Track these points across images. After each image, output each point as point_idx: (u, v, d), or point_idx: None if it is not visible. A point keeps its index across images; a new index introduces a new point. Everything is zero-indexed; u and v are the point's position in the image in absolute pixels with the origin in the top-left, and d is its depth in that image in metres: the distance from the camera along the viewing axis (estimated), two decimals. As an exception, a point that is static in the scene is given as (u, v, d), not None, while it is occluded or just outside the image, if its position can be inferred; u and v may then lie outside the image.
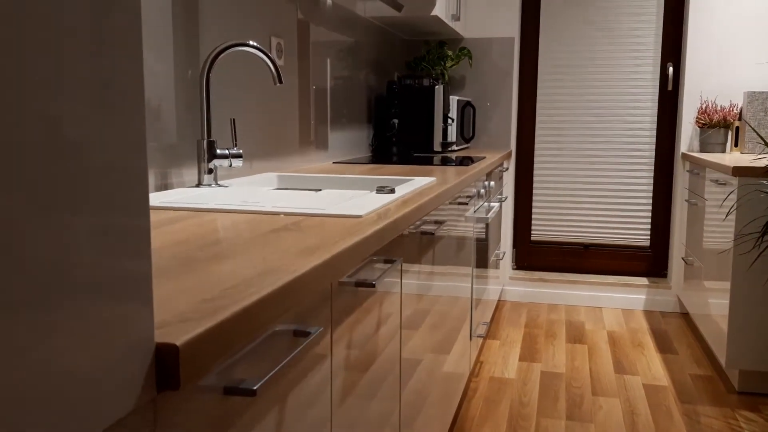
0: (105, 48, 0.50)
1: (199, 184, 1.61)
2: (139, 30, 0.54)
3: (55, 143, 0.45)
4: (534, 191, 3.95)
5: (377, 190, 1.53)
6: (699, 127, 3.49)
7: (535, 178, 3.94)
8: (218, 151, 1.62)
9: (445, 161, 2.71)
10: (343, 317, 1.05)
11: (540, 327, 3.44)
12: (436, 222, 1.76)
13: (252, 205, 1.28)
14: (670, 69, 3.65)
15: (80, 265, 0.48)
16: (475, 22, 3.81)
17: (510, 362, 2.96)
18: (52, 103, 0.45)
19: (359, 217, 1.19)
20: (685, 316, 3.65)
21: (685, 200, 3.53)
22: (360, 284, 1.11)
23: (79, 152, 0.47)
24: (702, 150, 3.49)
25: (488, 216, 2.62)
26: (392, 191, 1.52)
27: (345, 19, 2.82)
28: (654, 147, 3.76)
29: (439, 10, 3.08)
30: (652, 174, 3.79)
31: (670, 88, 3.68)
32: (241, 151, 1.64)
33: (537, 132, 3.91)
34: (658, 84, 3.71)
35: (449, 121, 3.42)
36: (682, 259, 3.52)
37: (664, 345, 3.19)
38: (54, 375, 0.45)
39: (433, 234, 1.57)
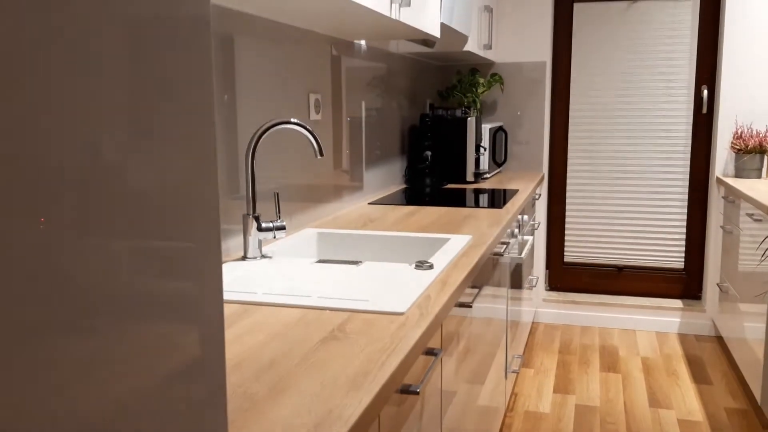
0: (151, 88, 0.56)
1: (245, 257, 1.68)
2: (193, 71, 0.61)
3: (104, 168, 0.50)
4: (567, 213, 3.97)
5: (416, 265, 1.58)
6: (734, 152, 3.47)
7: (567, 200, 3.96)
8: (263, 225, 1.68)
9: (478, 199, 2.75)
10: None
11: (574, 353, 3.47)
12: (474, 287, 1.81)
13: (299, 297, 1.34)
14: (705, 92, 3.63)
15: (135, 287, 0.52)
16: (507, 47, 3.83)
17: (544, 394, 3.00)
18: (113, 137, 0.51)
19: (401, 314, 1.25)
20: (720, 340, 3.64)
21: (720, 226, 3.52)
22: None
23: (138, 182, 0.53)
24: (737, 175, 3.47)
25: (522, 255, 2.65)
26: (431, 267, 1.57)
27: (378, 55, 2.87)
28: (688, 170, 3.75)
29: (471, 45, 3.11)
30: (686, 197, 3.77)
31: (704, 111, 3.66)
32: (284, 223, 1.70)
33: (569, 154, 3.92)
34: (692, 107, 3.70)
35: (481, 150, 3.45)
36: (717, 285, 3.52)
37: (698, 374, 3.19)
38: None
39: (470, 306, 1.62)
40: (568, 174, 3.94)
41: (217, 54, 1.67)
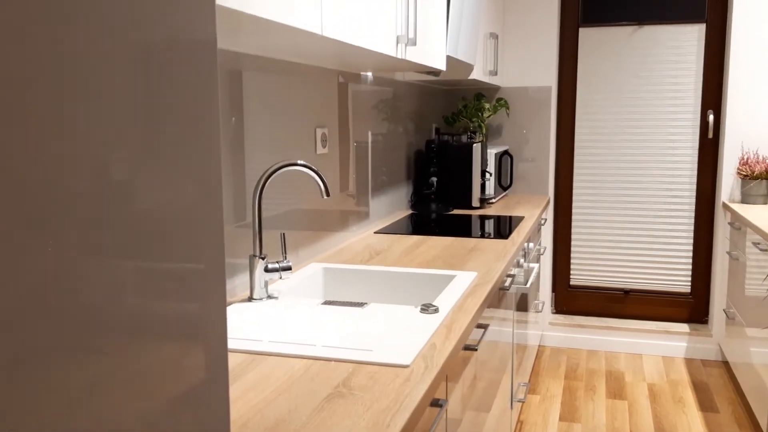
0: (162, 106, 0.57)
1: (251, 298, 1.69)
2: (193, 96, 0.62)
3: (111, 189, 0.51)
4: (573, 236, 3.97)
5: (421, 308, 1.59)
6: (741, 178, 3.47)
7: (573, 223, 3.96)
8: (269, 266, 1.69)
9: (484, 228, 2.76)
10: None
11: (580, 378, 3.46)
12: (480, 326, 1.81)
13: (304, 345, 1.35)
14: (711, 117, 3.64)
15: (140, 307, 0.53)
16: (513, 71, 3.84)
17: (550, 423, 2.99)
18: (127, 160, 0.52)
19: (406, 367, 1.25)
20: (727, 365, 3.63)
21: (727, 252, 3.51)
22: None
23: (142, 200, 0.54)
24: (744, 201, 3.47)
25: (527, 285, 2.66)
26: (436, 310, 1.58)
27: (384, 81, 2.89)
28: (694, 194, 3.75)
29: (477, 72, 3.13)
30: (692, 221, 3.77)
31: (710, 136, 3.66)
32: (290, 263, 1.72)
33: (575, 177, 3.92)
34: (698, 132, 3.70)
35: (487, 175, 3.46)
36: (724, 311, 3.51)
37: (705, 401, 3.18)
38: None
39: (476, 349, 1.62)
40: (574, 197, 3.94)
41: (224, 86, 1.69)
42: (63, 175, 0.46)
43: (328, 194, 1.73)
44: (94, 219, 0.49)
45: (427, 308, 1.59)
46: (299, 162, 1.69)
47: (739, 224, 3.26)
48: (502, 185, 3.71)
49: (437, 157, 3.33)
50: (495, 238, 2.56)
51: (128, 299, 0.53)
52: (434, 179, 3.31)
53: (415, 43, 1.98)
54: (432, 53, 2.27)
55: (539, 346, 3.95)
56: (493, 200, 3.50)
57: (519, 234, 2.63)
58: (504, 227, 2.79)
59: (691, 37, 3.65)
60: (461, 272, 1.97)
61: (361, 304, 1.66)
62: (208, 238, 0.63)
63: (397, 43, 1.92)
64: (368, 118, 2.71)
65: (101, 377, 0.49)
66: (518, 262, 2.63)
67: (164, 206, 0.57)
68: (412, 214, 3.18)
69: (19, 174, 0.43)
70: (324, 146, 2.28)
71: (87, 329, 0.48)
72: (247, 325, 1.49)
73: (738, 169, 3.49)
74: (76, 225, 0.47)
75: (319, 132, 2.24)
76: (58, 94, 0.46)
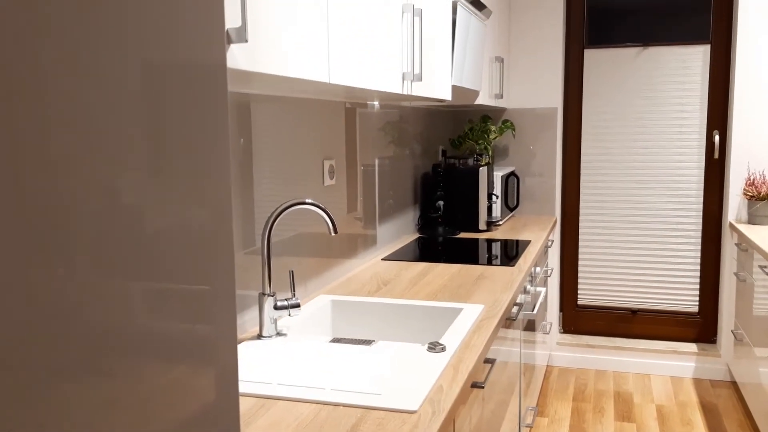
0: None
1: (260, 335, 1.72)
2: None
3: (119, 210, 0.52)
4: (580, 255, 3.98)
5: (428, 347, 1.61)
6: (747, 199, 3.48)
7: (580, 243, 3.97)
8: (278, 303, 1.72)
9: (491, 254, 2.78)
10: None
11: (588, 400, 3.47)
12: (487, 361, 1.83)
13: (313, 389, 1.37)
14: (717, 137, 3.65)
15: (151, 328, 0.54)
16: (518, 93, 3.87)
17: (558, 446, 3.00)
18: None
19: (414, 412, 1.27)
20: (735, 385, 3.63)
21: (734, 273, 3.51)
22: None
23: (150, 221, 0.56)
24: (750, 221, 3.47)
25: (534, 311, 2.67)
26: (443, 349, 1.60)
27: (391, 106, 2.92)
28: (701, 214, 3.75)
29: (483, 97, 3.16)
30: (699, 240, 3.78)
31: (716, 156, 3.67)
32: (299, 301, 1.74)
33: (582, 197, 3.94)
34: (704, 152, 3.71)
35: (494, 198, 3.48)
36: (732, 332, 3.51)
37: (713, 423, 3.18)
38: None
39: (483, 386, 1.64)
40: (581, 217, 3.95)
41: (232, 118, 1.72)
42: (74, 198, 0.47)
43: (335, 231, 1.75)
44: (104, 241, 0.50)
45: (434, 347, 1.61)
46: (307, 201, 1.72)
47: (746, 245, 3.26)
48: (509, 206, 3.73)
49: (444, 181, 3.35)
50: (502, 265, 2.57)
51: (139, 320, 0.53)
52: (441, 203, 3.33)
53: (420, 79, 2.01)
54: (437, 85, 2.29)
55: (547, 366, 3.95)
56: (500, 222, 3.52)
57: (525, 260, 2.65)
58: (511, 253, 2.80)
59: (696, 57, 3.66)
60: (468, 305, 1.99)
61: (368, 342, 1.68)
62: (218, 261, 0.65)
63: (403, 79, 1.95)
64: (375, 141, 2.74)
65: (110, 399, 0.49)
66: (525, 288, 2.64)
67: (175, 228, 0.58)
68: (419, 238, 3.21)
69: (30, 196, 0.44)
70: (331, 178, 2.31)
71: (96, 351, 0.49)
72: (257, 366, 1.51)
73: (744, 190, 3.50)
74: (86, 247, 0.48)
75: (326, 164, 2.27)
76: (69, 118, 0.47)
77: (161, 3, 0.57)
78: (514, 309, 2.29)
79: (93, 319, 0.49)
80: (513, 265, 2.56)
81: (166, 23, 0.58)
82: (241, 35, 1.05)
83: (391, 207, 2.95)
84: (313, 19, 1.35)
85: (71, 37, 0.48)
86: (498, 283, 2.28)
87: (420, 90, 2.09)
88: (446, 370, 1.50)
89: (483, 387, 1.68)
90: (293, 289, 1.77)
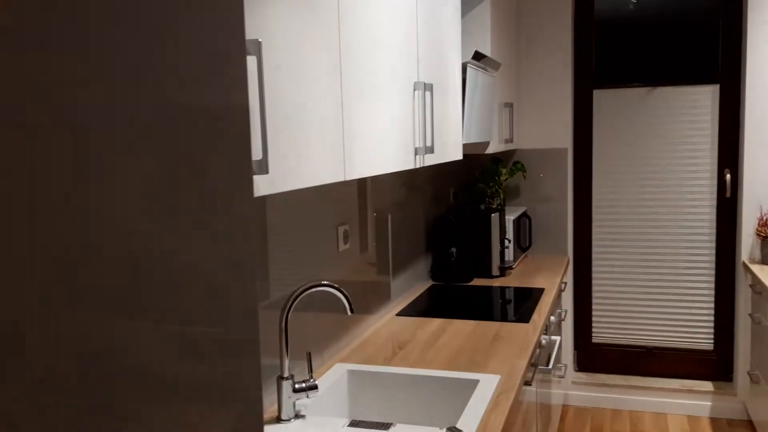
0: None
1: (279, 418, 1.74)
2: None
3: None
4: (593, 293, 3.98)
5: (447, 431, 1.63)
6: (760, 239, 3.48)
7: (594, 281, 3.97)
8: (296, 386, 1.74)
9: (505, 308, 2.79)
10: None
11: (604, 443, 3.46)
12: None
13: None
14: (728, 176, 3.65)
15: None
16: (528, 134, 3.89)
17: (576, 496, 2.99)
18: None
19: None
20: (752, 424, 3.61)
21: (749, 314, 3.51)
22: None
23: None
24: (764, 262, 3.47)
25: (550, 366, 2.68)
26: (461, 434, 1.62)
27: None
28: (714, 253, 3.75)
29: (493, 144, 3.18)
30: (713, 279, 3.77)
31: (728, 195, 3.67)
32: (317, 382, 1.76)
33: (594, 235, 3.94)
34: (716, 190, 3.71)
35: (506, 242, 3.49)
36: (748, 373, 3.50)
37: (732, 468, 3.17)
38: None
39: (501, 469, 1.66)
40: (594, 254, 3.96)
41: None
42: (101, 242, 0.49)
43: (352, 311, 1.77)
44: (128, 285, 0.51)
45: (453, 432, 1.62)
46: (324, 282, 1.74)
47: (760, 288, 3.26)
48: (521, 246, 3.74)
49: (456, 227, 3.37)
50: (516, 320, 2.58)
51: (166, 364, 0.55)
52: (454, 249, 3.35)
53: (432, 151, 2.03)
54: (449, 150, 2.32)
55: (563, 405, 3.95)
56: (513, 265, 3.53)
57: (540, 314, 2.66)
58: (525, 305, 2.81)
59: (706, 97, 3.67)
60: (484, 375, 2.01)
61: (386, 426, 1.69)
62: (242, 304, 0.67)
63: (416, 154, 1.97)
64: (386, 191, 2.76)
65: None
66: (540, 343, 2.65)
67: (200, 271, 0.60)
68: (432, 286, 3.22)
69: (56, 241, 0.45)
70: (346, 242, 2.34)
71: (121, 394, 0.50)
72: (278, 458, 1.53)
73: (757, 230, 3.50)
74: (111, 290, 0.50)
75: (341, 230, 2.29)
76: (96, 163, 0.49)
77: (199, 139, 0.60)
78: (531, 372, 2.30)
79: (117, 362, 0.50)
80: (528, 322, 2.56)
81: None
82: (263, 167, 1.08)
83: (404, 255, 2.96)
84: (331, 130, 1.37)
85: (97, 77, 0.50)
86: (513, 346, 2.29)
87: (432, 159, 2.11)
88: (465, 461, 1.51)
89: (502, 470, 1.69)
90: (311, 371, 1.78)
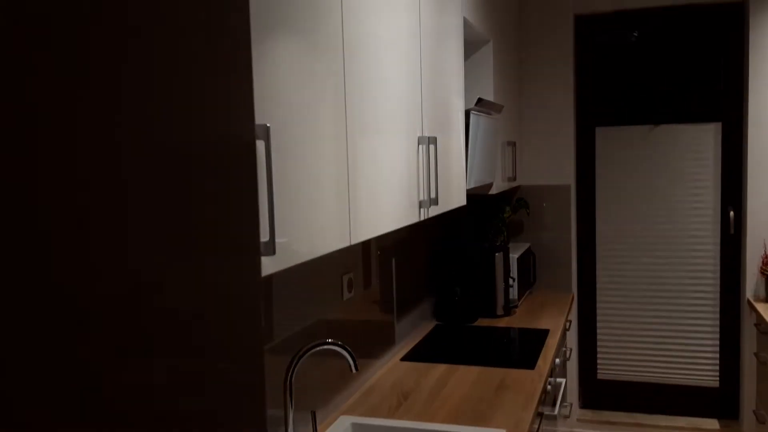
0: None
1: (284, 479, 1.72)
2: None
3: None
4: (598, 330, 3.96)
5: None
6: (764, 277, 3.47)
7: (598, 317, 3.96)
8: (301, 446, 1.73)
9: (510, 352, 2.77)
10: None
11: (611, 484, 3.42)
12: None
13: None
14: (732, 213, 3.65)
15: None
16: (531, 171, 3.90)
17: None
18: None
19: None
20: (761, 465, 3.57)
21: (754, 353, 3.49)
22: None
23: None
24: (768, 300, 3.46)
25: (555, 410, 2.66)
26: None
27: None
28: (719, 290, 3.74)
29: (496, 187, 3.18)
30: (718, 315, 3.76)
31: (732, 232, 3.67)
32: (322, 442, 1.75)
33: (598, 271, 3.94)
34: (719, 227, 3.71)
35: (510, 281, 3.49)
36: (753, 412, 3.47)
37: None
38: None
39: None
40: (598, 291, 3.95)
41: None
42: (101, 278, 0.50)
43: (356, 369, 1.77)
44: (126, 321, 0.52)
45: (459, 495, 1.61)
46: (328, 341, 1.74)
47: (764, 327, 3.24)
48: (526, 282, 3.73)
49: (460, 265, 3.36)
50: (521, 366, 2.57)
51: (162, 397, 0.55)
52: (458, 289, 3.34)
53: (437, 203, 2.04)
54: (453, 198, 2.32)
55: (568, 443, 3.91)
56: (518, 303, 3.52)
57: (545, 360, 2.64)
58: (530, 349, 2.80)
59: (708, 135, 3.68)
60: (489, 431, 1.99)
61: (393, 487, 1.68)
62: (244, 341, 0.67)
63: (420, 207, 1.98)
64: (393, 258, 2.76)
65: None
66: (545, 389, 2.63)
67: (197, 304, 0.61)
68: (436, 326, 3.21)
69: (55, 275, 0.46)
70: (350, 291, 2.33)
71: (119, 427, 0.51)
72: None
73: (761, 268, 3.49)
74: (108, 328, 0.50)
75: (345, 278, 2.29)
76: (104, 199, 0.50)
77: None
78: (537, 422, 2.29)
79: (116, 396, 0.51)
80: (533, 368, 2.55)
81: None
82: (269, 249, 1.08)
83: (408, 294, 2.96)
84: (336, 198, 1.38)
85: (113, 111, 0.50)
86: (519, 395, 2.27)
87: (437, 210, 2.12)
88: None
89: None
90: (315, 430, 1.77)
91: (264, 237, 1.08)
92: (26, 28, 0.44)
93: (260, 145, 1.05)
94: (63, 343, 0.47)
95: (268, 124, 1.04)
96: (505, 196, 3.94)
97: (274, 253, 1.07)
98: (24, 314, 0.44)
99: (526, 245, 3.81)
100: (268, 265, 1.11)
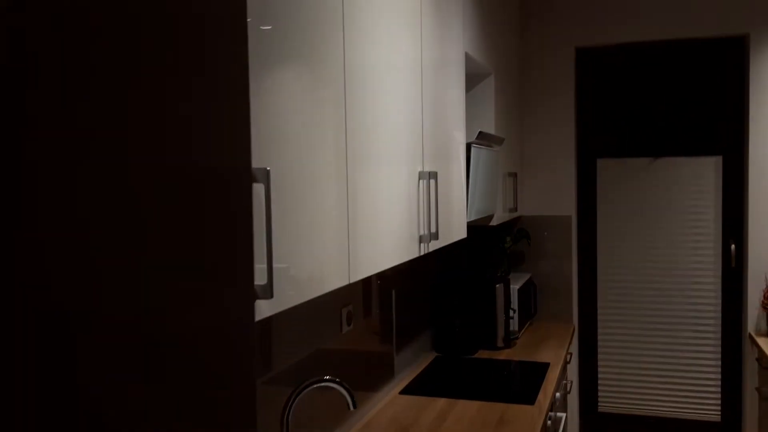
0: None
1: None
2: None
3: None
4: (599, 362, 3.93)
5: None
6: (765, 312, 3.45)
7: (599, 349, 3.93)
8: (298, 484, 1.70)
9: (510, 386, 2.75)
10: None
11: None
12: None
13: None
14: (733, 247, 3.64)
15: None
16: (532, 202, 3.90)
17: None
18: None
19: None
20: (764, 502, 3.52)
21: (756, 388, 3.46)
22: None
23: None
24: (771, 334, 3.43)
25: (555, 446, 2.63)
26: None
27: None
28: (720, 324, 3.71)
29: (497, 218, 3.18)
30: (719, 349, 3.73)
31: (733, 265, 3.66)
32: (318, 480, 1.72)
33: (599, 303, 3.92)
34: (720, 260, 3.70)
35: (511, 312, 3.47)
36: (757, 448, 3.43)
37: None
38: None
39: None
40: (599, 323, 3.92)
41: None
42: (100, 299, 0.50)
43: (354, 407, 1.75)
44: (121, 344, 0.52)
45: None
46: (326, 378, 1.72)
47: (766, 362, 3.22)
48: (527, 314, 3.71)
49: (460, 297, 3.35)
50: (521, 402, 2.55)
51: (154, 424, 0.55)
52: (458, 320, 3.32)
53: (437, 237, 2.03)
54: (453, 232, 2.32)
55: (568, 477, 3.86)
56: (518, 335, 3.49)
57: (545, 394, 2.62)
58: (530, 383, 2.77)
59: (709, 168, 3.69)
60: (489, 468, 1.96)
61: None
62: (237, 368, 0.68)
63: (420, 242, 1.97)
64: (393, 290, 2.75)
65: None
66: (546, 424, 2.61)
67: (197, 331, 0.61)
68: (436, 358, 3.19)
69: (53, 296, 0.46)
70: (349, 324, 2.32)
71: None
72: None
73: (762, 302, 3.47)
74: (104, 351, 0.51)
75: (344, 312, 2.28)
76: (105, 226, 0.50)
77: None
78: (536, 458, 2.26)
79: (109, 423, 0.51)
80: (533, 403, 2.53)
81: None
82: (266, 292, 1.07)
83: (408, 325, 2.94)
84: (336, 237, 1.37)
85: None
86: (525, 425, 2.25)
87: (437, 245, 2.11)
88: None
89: None
90: (313, 468, 1.75)
91: (261, 280, 1.07)
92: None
93: (259, 188, 1.04)
94: (60, 370, 0.47)
95: (267, 168, 1.04)
96: (506, 226, 3.93)
97: (272, 296, 1.07)
98: (20, 344, 0.44)
99: (527, 276, 3.80)
100: (265, 308, 1.11)
